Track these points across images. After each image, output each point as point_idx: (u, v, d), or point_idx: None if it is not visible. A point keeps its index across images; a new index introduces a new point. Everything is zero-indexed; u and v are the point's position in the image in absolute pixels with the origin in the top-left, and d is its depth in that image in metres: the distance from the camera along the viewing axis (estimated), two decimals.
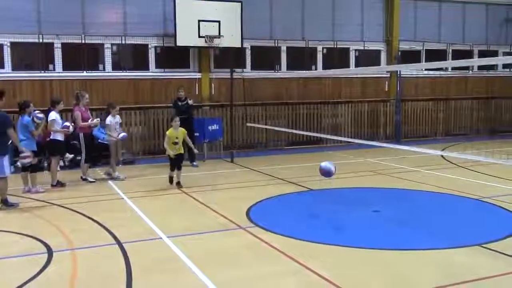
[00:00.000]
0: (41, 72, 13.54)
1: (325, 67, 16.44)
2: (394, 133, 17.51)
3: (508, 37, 19.33)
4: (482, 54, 18.52)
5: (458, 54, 18.06)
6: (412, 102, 17.97)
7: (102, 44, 14.10)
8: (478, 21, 18.81)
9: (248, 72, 15.19)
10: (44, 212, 8.55)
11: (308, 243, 6.60)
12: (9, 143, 9.12)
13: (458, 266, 5.73)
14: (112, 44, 14.19)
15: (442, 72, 18.49)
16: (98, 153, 12.34)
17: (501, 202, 8.61)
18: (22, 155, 9.33)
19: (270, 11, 15.79)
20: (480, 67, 19.04)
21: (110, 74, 14.20)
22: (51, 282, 5.49)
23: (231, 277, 5.52)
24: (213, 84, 15.24)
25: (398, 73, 17.04)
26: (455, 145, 16.17)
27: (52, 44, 13.57)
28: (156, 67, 14.71)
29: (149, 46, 14.54)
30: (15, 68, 13.35)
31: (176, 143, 10.10)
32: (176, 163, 10.21)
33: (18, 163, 10.79)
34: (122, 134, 11.55)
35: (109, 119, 11.28)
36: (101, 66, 14.21)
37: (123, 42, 14.23)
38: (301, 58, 16.34)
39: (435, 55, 17.72)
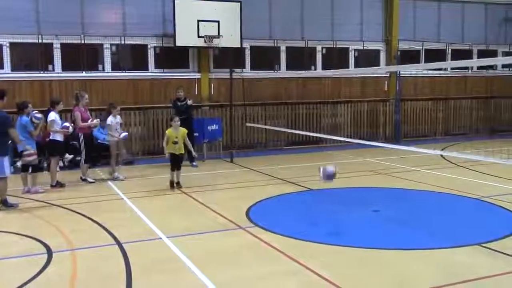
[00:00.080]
0: (40, 73, 13.53)
1: (324, 67, 16.44)
2: (394, 133, 17.51)
3: (507, 36, 19.33)
4: (481, 54, 18.52)
5: (458, 54, 18.06)
6: (412, 101, 17.97)
7: (102, 45, 14.10)
8: (477, 20, 18.81)
9: (247, 72, 15.18)
10: (44, 212, 8.55)
11: (308, 243, 6.60)
12: (9, 143, 9.13)
13: (458, 266, 5.73)
14: (111, 45, 14.18)
15: (441, 72, 18.49)
16: (97, 154, 12.34)
17: (500, 201, 8.61)
18: (26, 153, 9.37)
19: (269, 11, 15.79)
20: (480, 67, 19.04)
21: (109, 74, 14.19)
22: (50, 283, 5.48)
23: (231, 277, 5.52)
24: (212, 84, 15.23)
25: (398, 72, 17.04)
26: (455, 144, 16.18)
27: (52, 44, 13.57)
28: (156, 67, 14.71)
29: (149, 46, 14.54)
30: (14, 68, 13.34)
31: (176, 143, 10.05)
32: (176, 163, 10.16)
33: (18, 164, 10.83)
34: (124, 133, 11.57)
35: (110, 119, 11.27)
36: (100, 67, 14.20)
37: (123, 42, 14.22)
38: (300, 58, 16.34)
39: (434, 55, 17.72)
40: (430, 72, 18.17)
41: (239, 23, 14.56)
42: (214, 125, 14.02)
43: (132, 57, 14.74)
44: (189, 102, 13.06)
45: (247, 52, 15.60)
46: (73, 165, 12.53)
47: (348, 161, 13.46)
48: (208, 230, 7.31)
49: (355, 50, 17.04)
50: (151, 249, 6.57)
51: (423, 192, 9.62)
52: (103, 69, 14.20)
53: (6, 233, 7.39)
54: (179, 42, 14.05)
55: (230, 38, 14.44)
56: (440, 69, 18.33)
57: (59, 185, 10.51)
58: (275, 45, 15.87)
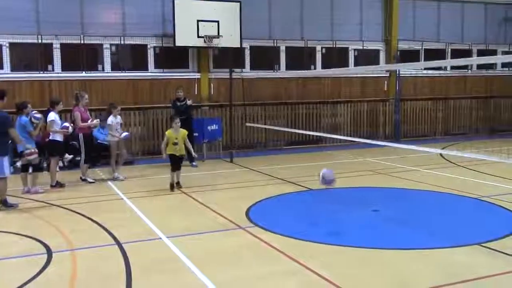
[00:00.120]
0: (40, 73, 13.53)
1: (324, 66, 16.44)
2: (394, 133, 17.52)
3: (507, 36, 19.34)
4: (481, 54, 18.49)
5: (457, 54, 18.06)
6: (411, 101, 17.98)
7: (101, 45, 14.10)
8: (477, 20, 18.81)
9: (247, 72, 15.18)
10: (44, 212, 8.55)
11: (308, 243, 6.61)
12: (9, 143, 9.13)
13: (458, 265, 5.74)
14: (111, 45, 14.18)
15: (441, 72, 18.50)
16: (97, 154, 12.33)
17: (500, 201, 8.62)
18: (26, 152, 9.38)
19: (269, 11, 15.79)
20: (479, 66, 19.05)
21: (109, 74, 14.19)
22: (50, 283, 5.48)
23: (231, 277, 5.52)
24: (212, 84, 15.24)
25: (397, 72, 17.05)
26: (454, 144, 16.16)
27: (51, 44, 13.56)
28: (155, 67, 14.71)
29: (148, 46, 14.54)
30: (14, 68, 13.35)
31: (176, 144, 9.98)
32: (176, 163, 10.09)
33: (18, 164, 10.82)
34: (125, 133, 11.57)
35: (110, 119, 11.26)
36: (100, 67, 14.20)
37: (122, 42, 14.22)
38: (300, 58, 16.34)
39: (434, 55, 17.73)
40: (429, 72, 18.18)
41: (238, 23, 14.57)
42: (214, 125, 14.02)
43: (132, 57, 14.74)
44: (189, 102, 13.06)
45: (247, 52, 15.60)
46: (73, 165, 12.53)
47: (348, 161, 13.47)
48: (208, 230, 7.31)
49: (354, 50, 17.04)
50: (151, 249, 6.57)
51: (423, 192, 9.62)
52: (103, 69, 14.20)
53: (6, 233, 7.39)
54: (179, 42, 14.05)
55: (229, 38, 14.44)
56: (439, 69, 18.34)
57: (59, 185, 10.52)
58: (275, 45, 15.87)
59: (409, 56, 17.24)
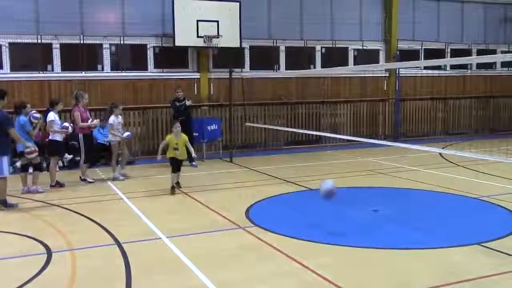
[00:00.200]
0: (39, 73, 13.52)
1: (323, 66, 16.44)
2: (393, 132, 17.52)
3: (506, 36, 19.35)
4: (481, 53, 18.48)
5: (457, 53, 18.07)
6: (411, 101, 17.98)
7: (101, 45, 14.09)
8: (477, 20, 18.82)
9: (247, 72, 15.18)
10: (43, 212, 8.54)
11: (308, 242, 6.61)
12: (9, 143, 9.12)
13: (458, 265, 5.74)
14: (110, 45, 14.18)
15: (441, 71, 18.51)
16: (97, 154, 12.33)
17: (499, 200, 8.62)
18: (27, 150, 9.38)
19: (268, 11, 15.79)
20: (479, 66, 19.06)
21: (108, 74, 14.18)
22: (50, 283, 5.48)
23: (230, 277, 5.52)
24: (212, 84, 15.23)
25: (397, 72, 17.05)
26: (454, 144, 16.18)
27: (51, 44, 13.55)
28: (155, 67, 14.70)
29: (148, 46, 14.53)
30: (13, 68, 13.33)
31: (176, 149, 9.85)
32: (177, 166, 9.96)
33: (17, 163, 10.82)
34: (127, 133, 11.58)
35: (112, 119, 11.25)
36: (99, 67, 14.20)
37: (122, 42, 14.22)
38: (299, 57, 16.34)
39: (433, 55, 17.74)
40: (429, 71, 18.19)
41: (238, 23, 14.56)
42: (214, 125, 14.02)
43: (132, 57, 14.73)
44: (188, 102, 13.04)
45: (247, 52, 15.59)
46: (73, 165, 12.52)
47: (348, 161, 13.47)
48: (207, 230, 7.31)
49: (354, 49, 17.04)
50: (150, 249, 6.57)
51: (423, 192, 9.63)
52: (103, 69, 14.20)
53: (6, 233, 7.39)
54: (179, 42, 14.04)
55: (229, 38, 14.43)
56: (439, 69, 18.34)
57: (58, 185, 10.52)
58: (275, 44, 15.87)
59: (409, 56, 17.24)
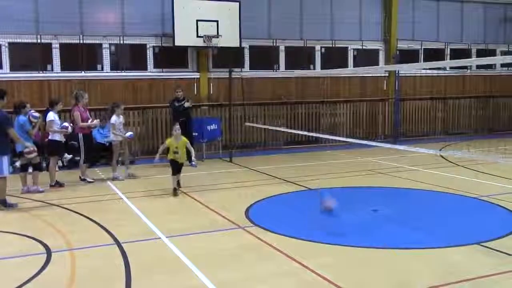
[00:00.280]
0: (39, 73, 13.52)
1: (323, 66, 16.44)
2: (393, 132, 17.52)
3: (506, 36, 19.36)
4: (480, 53, 18.54)
5: (456, 53, 18.09)
6: (411, 101, 17.99)
7: (100, 44, 14.08)
8: (476, 20, 18.82)
9: (246, 72, 15.18)
10: (43, 212, 8.54)
11: (307, 242, 6.61)
12: (9, 142, 9.12)
13: (457, 265, 5.74)
14: (110, 44, 14.17)
15: (440, 71, 18.51)
16: (96, 154, 12.32)
17: (499, 200, 8.63)
18: (26, 150, 9.37)
19: (268, 11, 15.79)
20: (479, 66, 19.06)
21: (108, 74, 14.18)
22: (49, 283, 5.48)
23: (230, 277, 5.52)
24: (211, 84, 15.23)
25: (397, 72, 17.06)
26: (454, 144, 16.19)
27: (50, 44, 13.54)
28: (155, 67, 14.70)
29: (147, 46, 14.53)
30: (13, 68, 13.33)
31: (176, 153, 9.74)
32: (177, 168, 9.84)
33: (17, 163, 10.81)
34: (129, 133, 11.57)
35: (114, 119, 11.25)
36: (99, 66, 14.20)
37: (121, 42, 14.21)
38: (299, 57, 16.34)
39: (433, 54, 17.75)
40: (429, 71, 18.19)
41: (238, 23, 14.55)
42: (213, 125, 14.01)
43: (131, 57, 14.72)
44: (187, 104, 12.98)
45: (246, 52, 15.59)
46: (72, 164, 12.52)
47: (347, 161, 13.47)
48: (207, 230, 7.31)
49: (354, 49, 17.04)
50: (150, 249, 6.57)
51: (422, 192, 9.63)
52: (102, 69, 14.19)
53: (5, 233, 7.39)
54: (178, 42, 14.04)
55: (229, 38, 14.42)
56: (439, 69, 18.34)
57: (58, 185, 10.52)
58: (274, 44, 15.87)
59: (409, 55, 17.25)
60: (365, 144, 10.44)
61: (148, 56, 14.58)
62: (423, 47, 17.87)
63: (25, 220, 8.18)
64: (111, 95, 13.77)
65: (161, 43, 14.54)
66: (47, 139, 10.82)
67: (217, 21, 14.27)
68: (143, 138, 14.52)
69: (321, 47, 16.57)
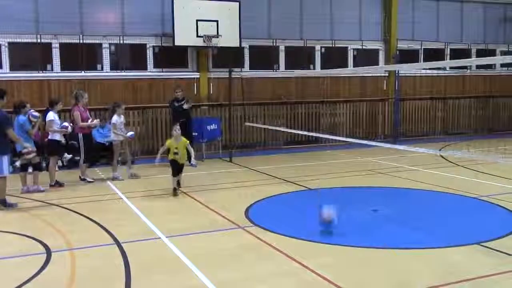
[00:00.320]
0: (39, 72, 13.51)
1: (323, 66, 16.44)
2: (393, 132, 17.52)
3: (506, 35, 19.36)
4: (480, 53, 18.54)
5: (456, 53, 18.09)
6: (411, 101, 17.99)
7: (100, 44, 14.08)
8: (476, 20, 18.83)
9: (246, 72, 15.18)
10: (43, 212, 8.54)
11: (307, 242, 6.61)
12: (9, 142, 9.11)
13: (457, 265, 5.74)
14: (110, 44, 14.17)
15: (440, 71, 18.51)
16: (96, 153, 12.32)
17: (499, 200, 8.63)
18: (24, 151, 9.36)
19: (268, 11, 15.79)
20: (478, 66, 19.07)
21: (108, 74, 14.18)
22: (49, 283, 5.48)
23: (230, 277, 5.52)
24: (211, 84, 15.23)
25: (397, 72, 17.06)
26: (454, 143, 16.19)
27: (50, 44, 13.54)
28: (154, 67, 14.70)
29: (147, 45, 14.52)
30: (13, 68, 13.32)
31: (176, 154, 9.70)
32: (177, 170, 9.78)
33: (17, 163, 10.81)
34: (130, 133, 11.57)
35: (115, 118, 11.24)
36: (99, 66, 14.19)
37: (121, 42, 14.21)
38: (299, 57, 16.34)
39: (433, 54, 17.75)
40: (429, 71, 18.20)
41: (238, 23, 14.55)
42: (213, 125, 14.01)
43: (131, 56, 14.72)
44: (185, 106, 12.93)
45: (246, 52, 15.59)
46: (72, 164, 12.51)
47: (347, 160, 13.47)
48: (207, 229, 7.31)
49: (354, 49, 17.04)
50: (150, 249, 6.57)
51: (422, 191, 9.63)
52: (102, 69, 14.20)
53: (5, 233, 7.38)
54: (178, 42, 14.03)
55: (229, 38, 14.42)
56: (439, 69, 18.34)
57: (58, 184, 10.52)
58: (274, 44, 15.87)
59: (408, 55, 17.25)
60: (365, 144, 10.43)
61: (148, 56, 14.58)
62: (423, 47, 17.88)
63: (25, 220, 8.18)
64: (111, 95, 13.77)
65: (161, 43, 14.53)
66: (46, 139, 10.82)
67: (217, 21, 14.27)
68: (143, 138, 14.52)
69: (321, 47, 16.57)
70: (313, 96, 16.44)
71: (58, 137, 10.52)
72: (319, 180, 10.76)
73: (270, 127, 14.60)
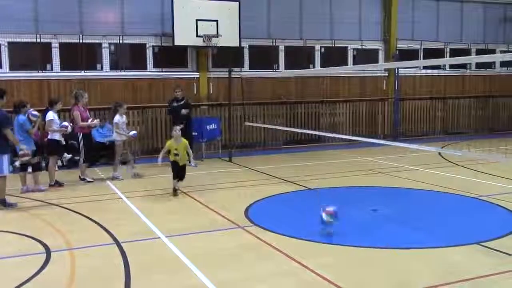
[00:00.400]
0: (38, 72, 13.51)
1: (323, 66, 16.44)
2: (392, 132, 17.52)
3: (506, 35, 19.36)
4: (480, 53, 18.49)
5: (456, 53, 18.07)
6: (410, 101, 17.99)
7: (100, 44, 14.07)
8: (476, 20, 18.82)
9: (246, 72, 15.17)
10: (42, 212, 8.54)
11: (307, 242, 6.61)
12: (9, 142, 9.10)
13: (457, 265, 5.74)
14: (110, 44, 14.16)
15: (440, 71, 18.51)
16: (96, 153, 12.31)
17: (499, 200, 8.63)
18: (20, 152, 9.34)
19: (268, 10, 15.78)
20: (478, 66, 19.07)
21: (108, 73, 14.17)
22: (49, 282, 5.48)
23: (230, 277, 5.52)
24: (211, 84, 15.22)
25: (396, 71, 17.06)
26: (453, 143, 16.19)
27: (50, 44, 13.53)
28: (154, 67, 14.69)
29: (147, 45, 14.52)
30: (12, 68, 13.31)
31: (177, 155, 9.61)
32: (177, 172, 9.63)
33: (16, 163, 10.80)
34: (133, 132, 11.56)
35: (117, 118, 11.23)
36: (99, 66, 14.19)
37: (121, 41, 14.20)
38: (299, 57, 16.34)
39: (433, 54, 17.75)
40: (428, 71, 18.20)
41: (237, 23, 14.54)
42: (213, 124, 14.00)
43: (131, 56, 14.72)
44: (183, 111, 12.68)
45: (246, 51, 15.59)
46: (72, 164, 12.51)
47: (347, 160, 13.47)
48: (207, 229, 7.31)
49: (353, 49, 17.04)
50: (150, 248, 6.56)
51: (422, 191, 9.63)
52: (102, 69, 14.19)
53: (5, 233, 7.38)
54: (178, 42, 14.03)
55: (228, 38, 14.41)
56: (438, 68, 18.35)
57: (57, 184, 10.51)
58: (274, 44, 15.86)
59: (408, 55, 17.25)
60: (365, 144, 10.44)
61: (147, 56, 14.57)
62: (422, 46, 17.88)
63: (25, 219, 8.17)
64: (111, 95, 13.76)
65: (161, 43, 14.53)
66: (46, 139, 10.81)
67: (216, 21, 14.26)
68: (143, 138, 14.50)
69: (320, 47, 16.57)
70: (312, 96, 16.43)
71: (57, 136, 10.52)
72: (319, 180, 10.76)
73: (269, 126, 14.60)
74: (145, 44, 14.49)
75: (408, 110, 18.02)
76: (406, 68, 17.43)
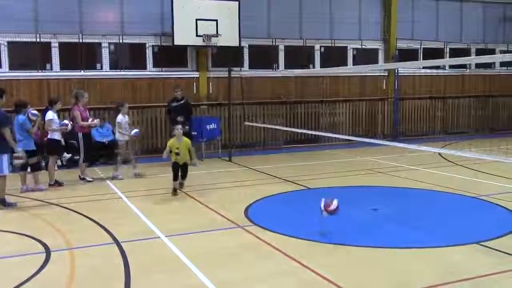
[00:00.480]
0: (38, 72, 13.50)
1: (323, 66, 16.45)
2: (392, 132, 17.53)
3: (505, 35, 19.36)
4: (480, 53, 18.51)
5: (456, 53, 18.08)
6: (410, 100, 18.00)
7: (100, 43, 14.07)
8: (476, 19, 18.83)
9: (246, 71, 15.17)
10: (42, 211, 8.53)
11: (307, 242, 6.60)
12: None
13: (457, 264, 5.74)
14: (109, 43, 14.16)
15: (439, 71, 18.52)
16: (96, 153, 12.31)
17: (498, 200, 8.63)
18: (15, 155, 9.31)
19: (267, 10, 15.78)
20: (478, 65, 19.07)
21: (107, 73, 14.17)
22: (49, 282, 5.47)
23: (230, 276, 5.51)
24: (211, 83, 15.22)
25: (396, 71, 17.06)
26: (453, 143, 16.20)
27: (50, 43, 13.53)
28: (154, 66, 14.69)
29: (147, 45, 14.52)
30: (12, 67, 13.31)
31: (178, 154, 9.55)
32: (176, 171, 9.55)
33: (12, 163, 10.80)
34: (135, 130, 11.56)
35: (120, 118, 11.23)
36: (98, 66, 14.19)
37: (121, 41, 14.20)
38: (299, 57, 16.34)
39: (432, 54, 17.75)
40: (428, 70, 18.20)
41: (237, 22, 14.54)
42: (213, 124, 13.99)
43: (130, 56, 14.72)
44: (179, 118, 12.23)
45: (246, 51, 15.59)
46: (72, 164, 12.50)
47: (347, 160, 13.47)
48: (206, 229, 7.30)
49: (353, 49, 17.04)
50: (150, 248, 6.56)
51: (422, 191, 9.63)
52: (101, 68, 14.19)
53: (5, 232, 7.38)
54: (178, 41, 14.03)
55: (228, 37, 14.41)
56: (438, 68, 18.36)
57: (57, 184, 10.51)
58: (274, 44, 15.86)
59: (408, 55, 17.26)
60: (365, 143, 10.44)
61: (147, 55, 14.57)
62: (422, 46, 17.88)
63: (24, 219, 8.17)
64: (111, 94, 13.77)
65: (161, 42, 14.53)
66: (46, 138, 10.81)
67: (216, 20, 14.26)
68: (143, 137, 14.49)
69: (320, 47, 16.57)
70: (312, 96, 16.43)
71: (57, 136, 10.52)
72: (319, 180, 10.76)
73: (269, 126, 14.60)
74: (144, 44, 14.49)
75: (408, 110, 18.03)
76: (406, 68, 17.42)
